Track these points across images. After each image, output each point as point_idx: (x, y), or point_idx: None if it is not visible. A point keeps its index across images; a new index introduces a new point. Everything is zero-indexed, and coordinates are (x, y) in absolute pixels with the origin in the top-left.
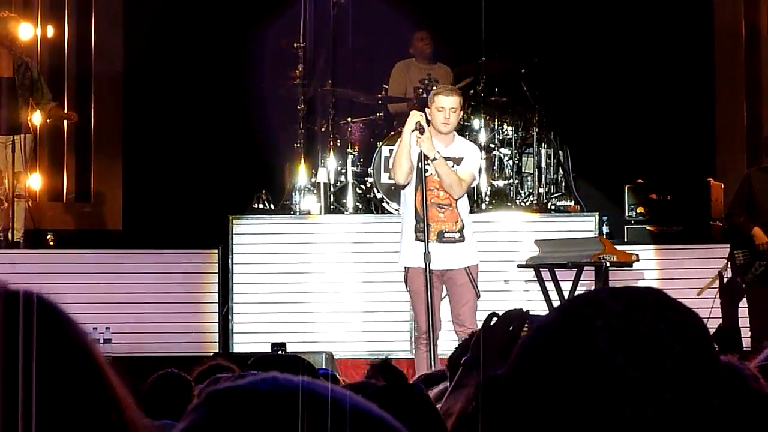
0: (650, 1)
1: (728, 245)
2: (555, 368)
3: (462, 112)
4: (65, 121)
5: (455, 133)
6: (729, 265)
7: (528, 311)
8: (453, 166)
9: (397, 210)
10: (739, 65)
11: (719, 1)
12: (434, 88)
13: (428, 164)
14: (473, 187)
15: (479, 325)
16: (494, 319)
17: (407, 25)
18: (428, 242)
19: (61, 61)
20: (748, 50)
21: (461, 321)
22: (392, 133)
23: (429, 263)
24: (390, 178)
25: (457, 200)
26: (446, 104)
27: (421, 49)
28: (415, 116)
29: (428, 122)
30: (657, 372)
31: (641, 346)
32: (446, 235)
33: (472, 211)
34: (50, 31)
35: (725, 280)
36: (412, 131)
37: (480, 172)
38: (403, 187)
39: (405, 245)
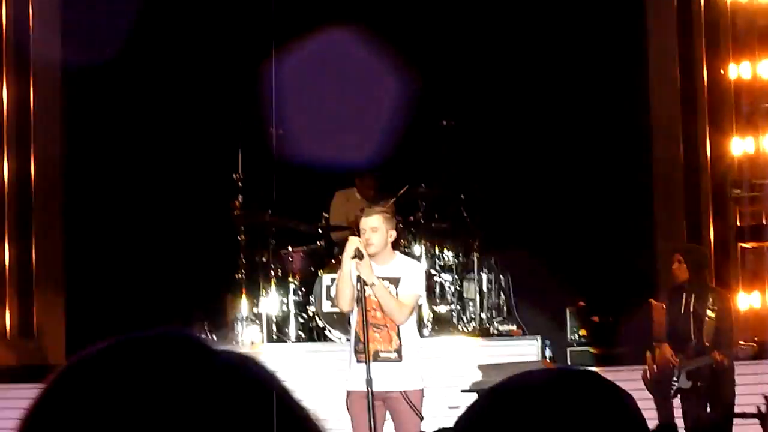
0: (587, 111)
1: None
2: None
3: (390, 230)
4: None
5: (396, 252)
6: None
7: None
8: (389, 287)
9: (340, 338)
10: (678, 185)
11: (657, 123)
12: None
13: (368, 288)
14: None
15: None
16: None
17: (349, 154)
18: (369, 363)
19: (1, 196)
20: (686, 171)
21: None
22: (333, 261)
23: (371, 387)
24: (332, 306)
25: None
26: (366, 225)
27: (365, 193)
28: (353, 242)
29: None
30: None
31: (574, 428)
32: (381, 354)
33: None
34: None
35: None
36: (352, 258)
37: (423, 290)
38: (348, 312)
39: (349, 368)
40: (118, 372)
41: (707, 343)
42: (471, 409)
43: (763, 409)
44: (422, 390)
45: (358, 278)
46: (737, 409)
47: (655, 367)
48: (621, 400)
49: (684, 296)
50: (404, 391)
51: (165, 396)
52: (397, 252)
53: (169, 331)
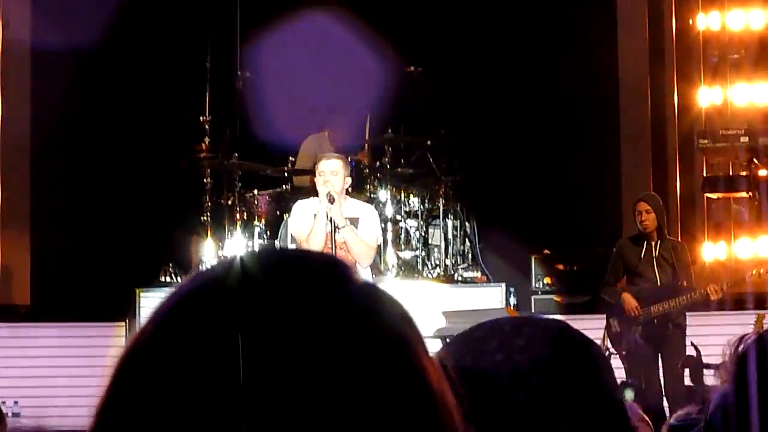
0: (556, 64)
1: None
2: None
3: (347, 176)
4: None
5: (347, 196)
6: (606, 335)
7: None
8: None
9: None
10: (645, 135)
11: (625, 72)
12: None
13: (337, 231)
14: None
15: None
16: None
17: (320, 99)
18: None
19: None
20: (654, 122)
21: None
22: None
23: None
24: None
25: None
26: (326, 168)
27: (335, 142)
28: (324, 187)
29: None
30: (556, 409)
31: (542, 382)
32: None
33: (378, 282)
34: None
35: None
36: (327, 203)
37: (380, 233)
38: None
39: None
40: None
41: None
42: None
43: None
44: None
45: (330, 220)
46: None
47: (612, 323)
48: (591, 353)
49: (647, 243)
50: None
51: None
52: (347, 196)
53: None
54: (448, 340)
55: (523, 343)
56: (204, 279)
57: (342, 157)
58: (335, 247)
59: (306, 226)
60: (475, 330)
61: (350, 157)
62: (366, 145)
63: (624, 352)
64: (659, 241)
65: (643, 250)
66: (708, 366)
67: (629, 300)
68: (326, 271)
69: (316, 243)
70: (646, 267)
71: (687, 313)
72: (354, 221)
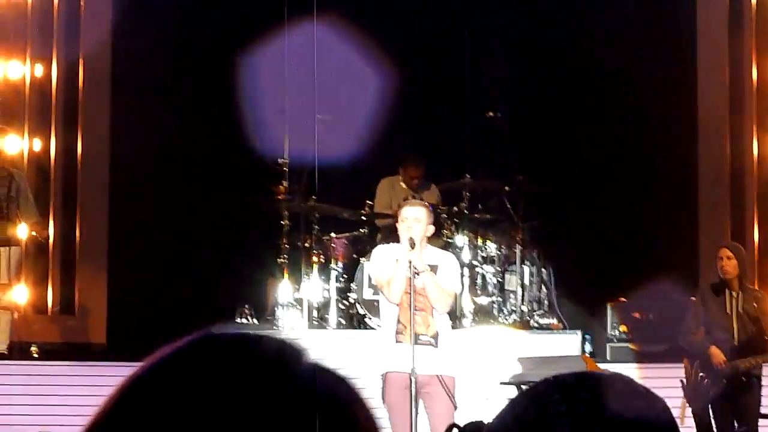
0: (634, 108)
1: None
2: None
3: (429, 224)
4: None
5: (428, 244)
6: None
7: (483, 422)
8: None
9: (380, 326)
10: (723, 184)
11: (704, 122)
12: None
13: (417, 277)
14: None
15: None
16: (455, 431)
17: (395, 143)
18: (413, 347)
19: (47, 174)
20: (733, 170)
21: None
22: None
23: (414, 367)
24: (374, 293)
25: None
26: (409, 215)
27: (409, 184)
28: (405, 232)
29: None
30: None
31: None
32: (421, 337)
33: (454, 327)
34: (37, 144)
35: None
36: (408, 247)
37: (460, 283)
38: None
39: (384, 350)
40: (204, 372)
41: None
42: (506, 412)
43: None
44: (454, 378)
45: (410, 266)
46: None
47: (693, 372)
48: (654, 406)
49: (728, 294)
50: (441, 376)
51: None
52: (428, 244)
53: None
54: (523, 387)
55: (585, 396)
56: (164, 360)
57: (426, 205)
58: (413, 292)
59: (386, 271)
60: (540, 384)
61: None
62: (434, 186)
63: (700, 405)
64: (740, 292)
65: (726, 300)
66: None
67: (717, 353)
68: (277, 354)
69: (396, 288)
70: (727, 318)
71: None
72: (434, 269)
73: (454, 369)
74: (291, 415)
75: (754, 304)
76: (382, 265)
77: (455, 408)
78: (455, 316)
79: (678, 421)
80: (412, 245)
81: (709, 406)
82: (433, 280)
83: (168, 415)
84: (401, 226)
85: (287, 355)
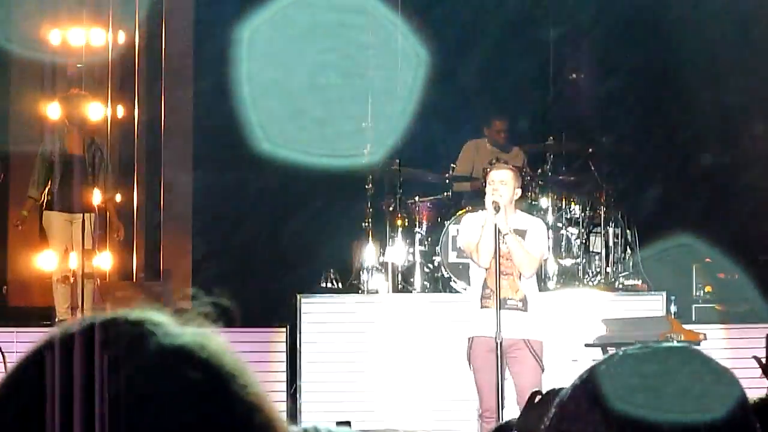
0: (718, 68)
1: None
2: (589, 425)
3: (517, 187)
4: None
5: (517, 209)
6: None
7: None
8: (518, 238)
9: (465, 289)
10: None
11: None
12: None
13: (503, 240)
14: (542, 263)
15: None
16: (537, 398)
17: (478, 105)
18: (499, 311)
19: (131, 141)
20: None
21: (524, 399)
22: (459, 211)
23: (500, 331)
24: (458, 257)
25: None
26: (496, 177)
27: (496, 138)
28: (489, 196)
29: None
30: None
31: (674, 407)
32: (509, 302)
33: (540, 289)
34: (120, 111)
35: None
36: (493, 211)
37: (548, 248)
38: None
39: (471, 314)
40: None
41: None
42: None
43: None
44: (542, 342)
45: (495, 228)
46: None
47: None
48: (729, 384)
49: None
50: (528, 340)
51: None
52: (517, 209)
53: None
54: (609, 348)
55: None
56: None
57: (513, 168)
58: (499, 257)
59: (474, 237)
60: (610, 358)
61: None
62: (518, 149)
63: None
64: None
65: None
66: None
67: None
68: (132, 331)
69: (485, 252)
70: None
71: None
72: (521, 233)
73: (542, 332)
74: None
75: None
76: (470, 230)
77: (542, 370)
78: (540, 278)
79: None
80: (497, 209)
81: None
82: (518, 244)
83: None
84: (488, 189)
85: (134, 338)
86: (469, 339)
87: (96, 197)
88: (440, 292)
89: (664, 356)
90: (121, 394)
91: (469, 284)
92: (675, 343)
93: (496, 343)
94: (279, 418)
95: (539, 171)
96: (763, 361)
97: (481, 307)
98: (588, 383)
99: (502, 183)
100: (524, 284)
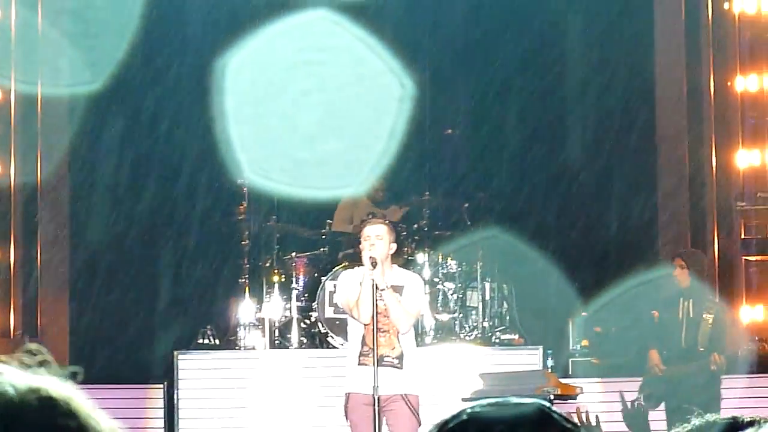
0: (593, 132)
1: None
2: None
3: (392, 242)
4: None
5: (394, 264)
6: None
7: None
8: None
9: (342, 344)
10: (683, 199)
11: (663, 137)
12: None
13: (380, 297)
14: (419, 318)
15: None
16: None
17: (357, 162)
18: (376, 368)
19: (8, 198)
20: (692, 185)
21: None
22: (336, 267)
23: (377, 387)
24: (335, 312)
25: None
26: (371, 233)
27: (375, 196)
28: (366, 252)
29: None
30: None
31: None
32: (386, 359)
33: (417, 345)
34: None
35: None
36: (370, 266)
37: (425, 304)
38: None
39: (348, 371)
40: None
41: (701, 349)
42: None
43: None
44: (418, 396)
45: (372, 284)
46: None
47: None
48: None
49: (681, 301)
50: (405, 395)
51: None
52: (394, 264)
53: None
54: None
55: (502, 429)
56: None
57: (387, 222)
58: (377, 313)
59: (353, 294)
60: (452, 418)
61: (385, 214)
62: (396, 206)
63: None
64: (690, 299)
65: (679, 308)
66: None
67: (653, 357)
68: None
69: (365, 308)
70: (677, 325)
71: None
72: (399, 289)
73: (418, 387)
74: None
75: (707, 308)
76: (348, 288)
77: (419, 424)
78: (417, 333)
79: None
80: (374, 264)
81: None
82: (394, 300)
83: None
84: (364, 245)
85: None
86: (346, 394)
87: None
88: (317, 347)
89: (513, 414)
90: None
91: (346, 340)
92: (523, 399)
93: (374, 399)
94: None
95: (415, 226)
96: (627, 401)
97: (359, 364)
98: None
99: (378, 237)
100: (402, 340)
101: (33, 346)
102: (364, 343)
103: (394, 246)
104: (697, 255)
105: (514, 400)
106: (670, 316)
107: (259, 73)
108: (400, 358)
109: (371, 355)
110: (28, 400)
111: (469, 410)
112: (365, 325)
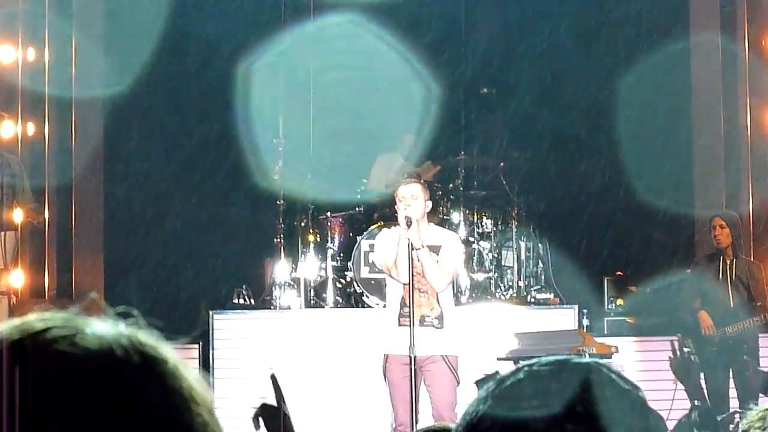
0: (629, 82)
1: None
2: None
3: (427, 200)
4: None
5: (431, 223)
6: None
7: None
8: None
9: (377, 304)
10: (718, 157)
11: (698, 92)
12: None
13: (416, 255)
14: (456, 277)
15: (457, 414)
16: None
17: (391, 121)
18: (412, 328)
19: (42, 158)
20: (727, 142)
21: (439, 412)
22: (372, 226)
23: (413, 347)
24: (370, 272)
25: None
26: (406, 193)
27: (408, 152)
28: (401, 211)
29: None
30: None
31: (577, 428)
32: (426, 319)
33: (454, 304)
34: (31, 128)
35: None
36: (405, 226)
37: (462, 263)
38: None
39: (387, 332)
40: None
41: (747, 308)
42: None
43: None
44: (457, 357)
45: (408, 243)
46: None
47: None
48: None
49: (722, 262)
50: (445, 356)
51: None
52: (431, 223)
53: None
54: (521, 361)
55: (559, 388)
56: None
57: (421, 182)
58: (416, 273)
59: (391, 255)
60: (510, 375)
61: (419, 173)
62: (430, 163)
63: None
64: (734, 260)
65: (720, 268)
66: None
67: (705, 318)
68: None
69: (402, 269)
70: (721, 286)
71: (760, 335)
72: (435, 248)
73: (457, 347)
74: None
75: (747, 271)
76: (386, 247)
77: (458, 383)
78: (453, 293)
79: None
80: (409, 224)
81: (701, 376)
82: (429, 259)
83: None
84: (399, 206)
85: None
86: (384, 355)
87: (10, 215)
88: (352, 307)
89: (568, 372)
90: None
91: (381, 299)
92: (582, 358)
93: (410, 358)
94: None
95: (451, 186)
96: (677, 350)
97: (399, 325)
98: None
99: (413, 198)
100: (441, 300)
101: (92, 296)
102: (403, 304)
103: (430, 204)
104: (736, 217)
105: (575, 359)
106: (714, 276)
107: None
108: (440, 318)
109: (410, 314)
110: (131, 357)
111: (526, 368)
112: (404, 285)
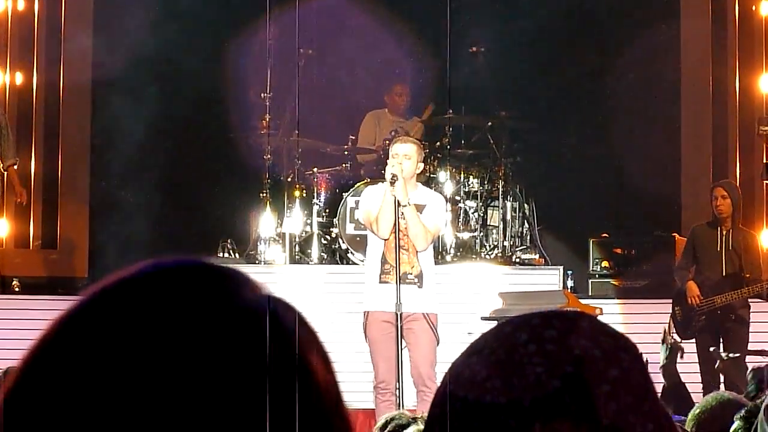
0: (618, 48)
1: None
2: (487, 394)
3: (419, 161)
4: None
5: (419, 183)
6: (671, 322)
7: None
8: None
9: (362, 260)
10: (705, 122)
11: (687, 57)
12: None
13: (401, 213)
14: (438, 237)
15: (436, 374)
16: None
17: (380, 77)
18: (399, 285)
19: (29, 109)
20: (715, 108)
21: (418, 370)
22: (358, 183)
23: (400, 302)
24: (356, 228)
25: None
26: (399, 151)
27: (396, 103)
28: (389, 168)
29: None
30: (593, 397)
31: (577, 370)
32: (408, 277)
33: (436, 263)
34: (19, 77)
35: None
36: (390, 183)
37: (445, 224)
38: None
39: (368, 288)
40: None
41: (746, 276)
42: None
43: None
44: (437, 315)
45: (393, 200)
46: (753, 347)
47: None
48: (625, 347)
49: (720, 231)
50: (426, 314)
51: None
52: (418, 183)
53: (204, 264)
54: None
55: (554, 334)
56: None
57: (416, 141)
58: (398, 231)
59: (374, 208)
60: (504, 325)
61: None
62: (417, 119)
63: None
64: (731, 230)
65: (718, 237)
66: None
67: (692, 288)
68: (221, 281)
69: (384, 223)
70: (717, 255)
71: (751, 305)
72: (421, 208)
73: (437, 305)
74: (237, 347)
75: (741, 240)
76: (370, 202)
77: (438, 342)
78: (437, 251)
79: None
80: (393, 181)
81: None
82: (413, 215)
83: (107, 346)
84: (390, 162)
85: (238, 284)
86: (365, 313)
87: None
88: (337, 263)
89: (561, 320)
90: None
91: (365, 256)
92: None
93: (396, 316)
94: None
95: (437, 144)
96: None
97: (380, 282)
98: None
99: (406, 157)
100: (421, 258)
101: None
102: (384, 261)
103: (421, 166)
104: (736, 187)
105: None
106: (710, 244)
107: None
108: (420, 276)
109: (392, 272)
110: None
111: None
112: (384, 241)
